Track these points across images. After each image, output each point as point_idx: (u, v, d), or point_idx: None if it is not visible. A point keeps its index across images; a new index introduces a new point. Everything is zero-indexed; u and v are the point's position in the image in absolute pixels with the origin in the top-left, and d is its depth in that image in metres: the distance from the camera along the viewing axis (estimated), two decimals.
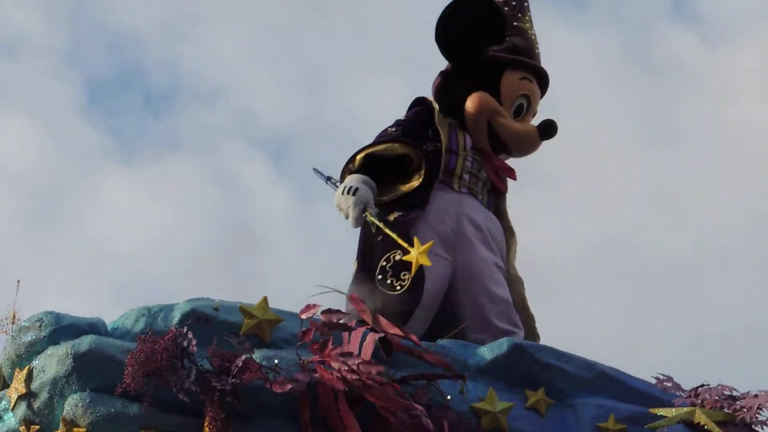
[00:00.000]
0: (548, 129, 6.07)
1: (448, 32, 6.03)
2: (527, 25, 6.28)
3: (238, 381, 4.31)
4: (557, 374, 5.15)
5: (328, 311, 4.63)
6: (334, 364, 4.40)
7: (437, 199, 5.78)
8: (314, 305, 4.67)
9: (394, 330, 4.83)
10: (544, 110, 6.22)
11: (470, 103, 5.97)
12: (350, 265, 5.78)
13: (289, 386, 4.31)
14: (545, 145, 6.10)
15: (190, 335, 4.43)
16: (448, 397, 4.77)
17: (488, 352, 5.13)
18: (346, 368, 4.34)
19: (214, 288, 5.22)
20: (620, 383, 5.25)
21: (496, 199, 6.04)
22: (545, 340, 5.70)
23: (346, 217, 5.59)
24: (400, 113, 6.06)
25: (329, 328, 4.56)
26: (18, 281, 4.85)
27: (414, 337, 4.88)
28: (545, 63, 6.22)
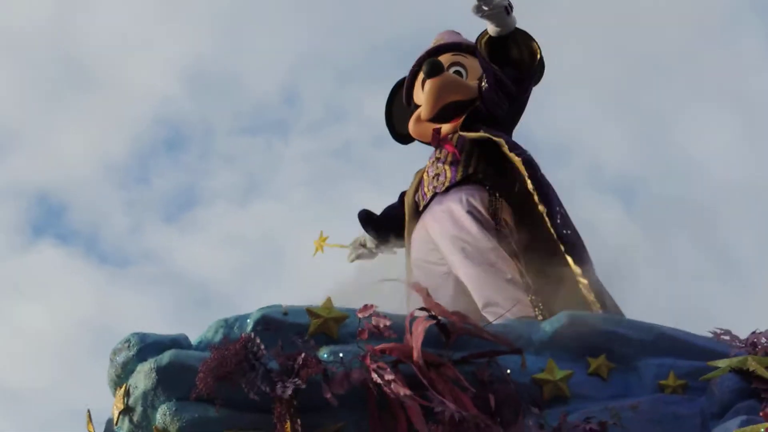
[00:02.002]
0: (426, 71, 6.56)
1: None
2: None
3: (299, 380, 4.66)
4: (617, 340, 5.38)
5: (376, 314, 4.96)
6: (374, 375, 4.73)
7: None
8: (371, 306, 4.99)
9: (452, 315, 5.14)
10: None
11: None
12: None
13: (344, 387, 4.67)
14: None
15: (258, 339, 4.79)
16: (508, 371, 5.05)
17: (548, 326, 5.39)
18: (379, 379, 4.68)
19: None
20: (680, 342, 5.45)
21: (462, 160, 6.40)
22: None
23: None
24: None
25: (379, 332, 4.90)
26: None
27: (472, 320, 5.19)
28: None
